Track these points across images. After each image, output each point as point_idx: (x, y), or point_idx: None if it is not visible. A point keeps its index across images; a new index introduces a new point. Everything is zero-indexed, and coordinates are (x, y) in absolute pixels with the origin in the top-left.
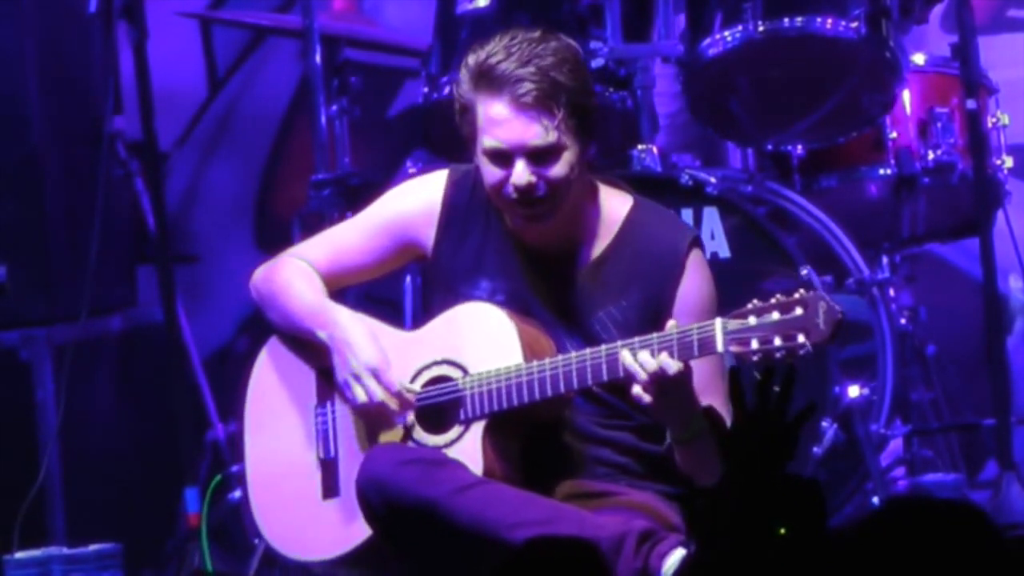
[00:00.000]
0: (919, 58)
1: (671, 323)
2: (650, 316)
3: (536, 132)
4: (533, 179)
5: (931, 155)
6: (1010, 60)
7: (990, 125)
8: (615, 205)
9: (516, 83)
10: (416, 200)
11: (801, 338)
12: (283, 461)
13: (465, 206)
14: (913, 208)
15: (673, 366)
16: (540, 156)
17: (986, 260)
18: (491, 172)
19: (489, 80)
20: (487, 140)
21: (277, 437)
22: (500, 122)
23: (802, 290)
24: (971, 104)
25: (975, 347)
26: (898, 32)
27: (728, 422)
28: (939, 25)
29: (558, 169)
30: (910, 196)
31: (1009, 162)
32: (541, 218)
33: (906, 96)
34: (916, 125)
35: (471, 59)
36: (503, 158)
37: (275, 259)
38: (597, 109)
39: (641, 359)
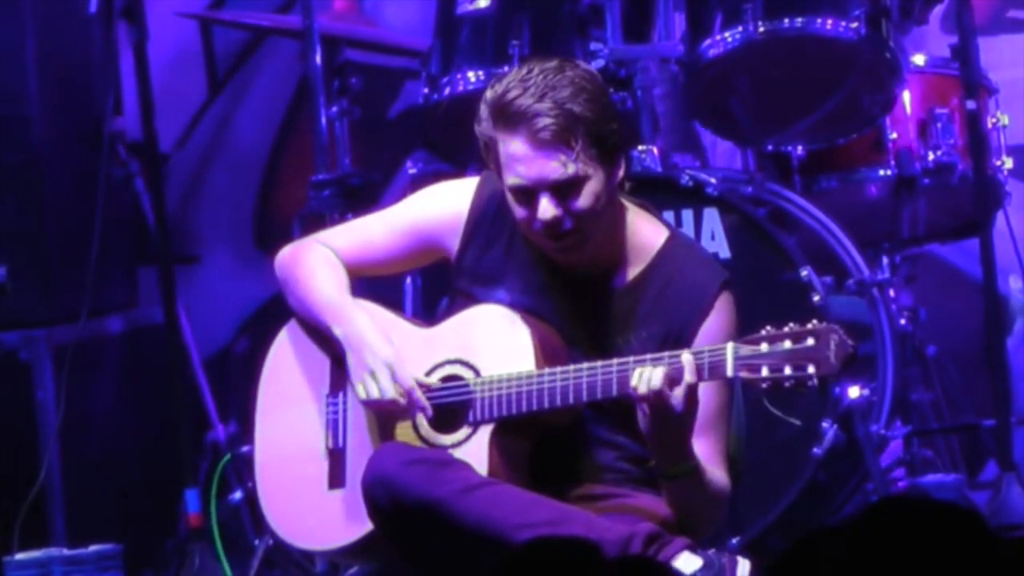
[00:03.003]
0: (919, 59)
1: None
2: (669, 350)
3: (555, 168)
4: (559, 213)
5: (931, 156)
6: (1010, 61)
7: (990, 126)
8: (649, 235)
9: (533, 119)
10: (444, 206)
11: (811, 369)
12: (291, 447)
13: (492, 216)
14: (913, 209)
15: (678, 391)
16: (563, 190)
17: (986, 261)
18: (517, 208)
19: (507, 117)
20: (509, 177)
21: (288, 422)
22: (520, 159)
23: (815, 321)
24: (971, 105)
25: (975, 348)
26: (898, 33)
27: (719, 470)
28: (939, 26)
29: (583, 200)
30: (910, 197)
31: (1009, 163)
32: (572, 249)
33: (906, 97)
34: (916, 126)
35: (489, 94)
36: (527, 194)
37: (301, 242)
38: (619, 134)
39: (651, 375)
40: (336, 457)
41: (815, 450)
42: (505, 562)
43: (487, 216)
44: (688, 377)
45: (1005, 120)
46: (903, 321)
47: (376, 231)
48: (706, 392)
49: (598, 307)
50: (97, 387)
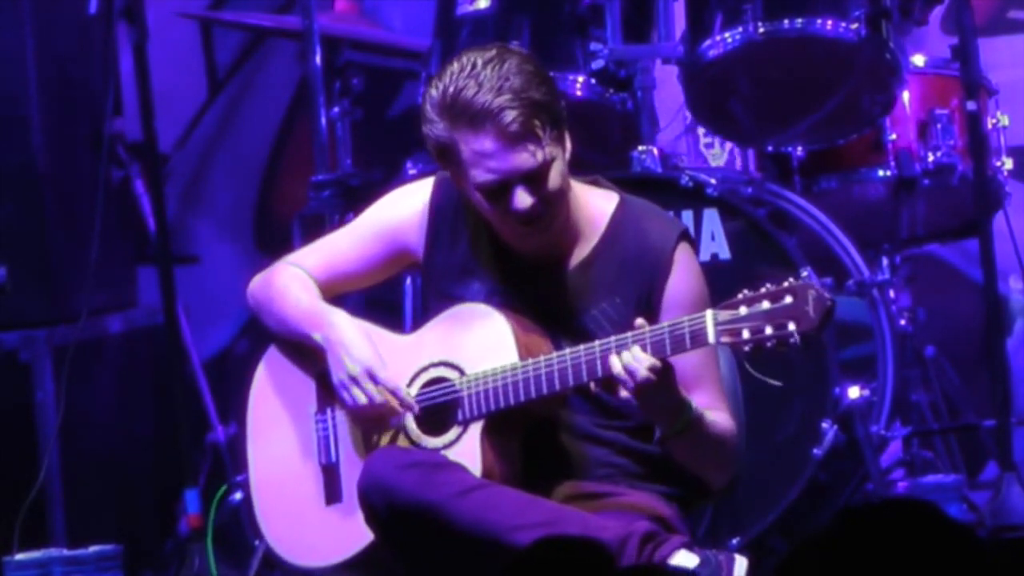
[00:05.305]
0: (919, 60)
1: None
2: (642, 312)
3: (527, 158)
4: (534, 200)
5: (931, 157)
6: (1010, 61)
7: (990, 126)
8: (600, 204)
9: (499, 114)
10: (404, 208)
11: (791, 326)
12: (285, 468)
13: (453, 210)
14: (912, 209)
15: (644, 363)
16: (535, 177)
17: (986, 261)
18: (487, 204)
19: (469, 116)
20: (479, 175)
21: (279, 444)
22: (490, 155)
23: (792, 279)
24: (971, 106)
25: (975, 348)
26: (898, 33)
27: (720, 412)
28: (939, 27)
29: (552, 182)
30: (910, 197)
31: (1009, 163)
32: (543, 231)
33: (906, 97)
34: (916, 126)
35: (436, 96)
36: (498, 189)
37: (271, 267)
38: (564, 107)
39: (624, 359)
40: (330, 472)
41: (815, 450)
42: (512, 562)
43: (448, 212)
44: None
45: (1005, 121)
46: (903, 322)
47: (342, 244)
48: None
49: (566, 283)
50: (97, 387)
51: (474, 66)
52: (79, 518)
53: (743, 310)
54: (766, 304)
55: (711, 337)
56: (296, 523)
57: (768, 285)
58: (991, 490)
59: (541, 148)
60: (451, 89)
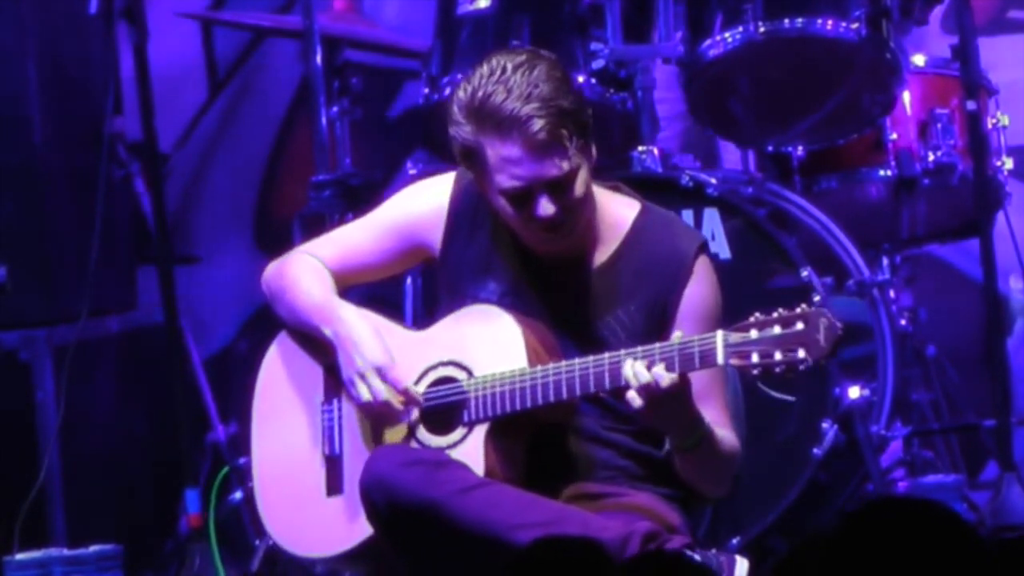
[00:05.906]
0: (919, 59)
1: (677, 334)
2: (656, 320)
3: (553, 166)
4: (558, 208)
5: (931, 156)
6: (1010, 61)
7: (990, 126)
8: (621, 210)
9: (526, 122)
10: (424, 202)
11: (801, 353)
12: (288, 456)
13: (473, 209)
14: (913, 209)
15: (666, 378)
16: (560, 185)
17: (986, 261)
18: (511, 209)
19: (496, 122)
20: (504, 181)
21: (283, 432)
22: (516, 162)
23: (804, 305)
24: (971, 105)
25: (975, 348)
26: (898, 33)
27: (726, 430)
28: (939, 26)
29: (577, 190)
30: (910, 197)
31: (1009, 163)
32: (566, 237)
33: (906, 97)
34: (916, 126)
35: (464, 99)
36: (522, 195)
37: (286, 255)
38: (591, 117)
39: (636, 370)
40: (333, 464)
41: (815, 450)
42: (513, 561)
43: (468, 209)
44: (669, 375)
45: (1005, 121)
46: (903, 321)
47: (359, 237)
48: None
49: (583, 288)
50: (97, 387)
51: (503, 71)
52: (79, 518)
53: (754, 333)
54: (777, 329)
55: (720, 358)
56: (296, 512)
57: (780, 310)
58: (991, 490)
59: (567, 157)
60: (480, 93)
